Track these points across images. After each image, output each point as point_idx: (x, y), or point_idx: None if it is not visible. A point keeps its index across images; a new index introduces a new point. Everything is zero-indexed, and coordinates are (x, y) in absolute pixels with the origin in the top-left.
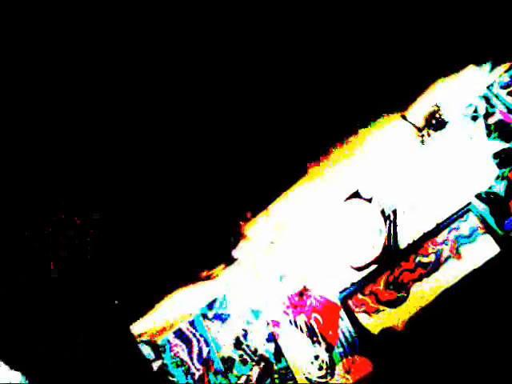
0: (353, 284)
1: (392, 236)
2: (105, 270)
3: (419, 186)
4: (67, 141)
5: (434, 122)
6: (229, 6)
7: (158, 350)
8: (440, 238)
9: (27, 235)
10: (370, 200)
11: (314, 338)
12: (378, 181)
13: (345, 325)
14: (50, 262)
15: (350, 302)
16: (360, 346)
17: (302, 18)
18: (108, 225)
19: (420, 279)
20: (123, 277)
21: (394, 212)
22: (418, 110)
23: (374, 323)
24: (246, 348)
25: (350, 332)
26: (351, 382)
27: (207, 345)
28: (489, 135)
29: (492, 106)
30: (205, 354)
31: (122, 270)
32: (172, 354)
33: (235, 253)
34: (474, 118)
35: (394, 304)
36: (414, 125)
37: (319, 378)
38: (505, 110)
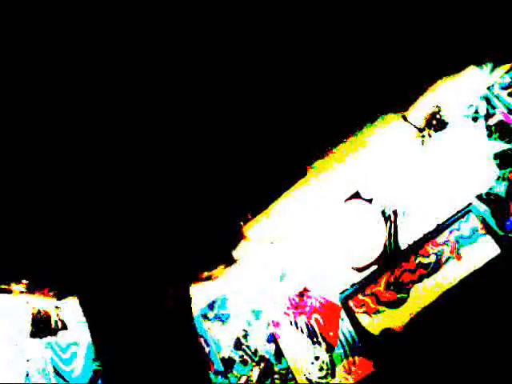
0: (353, 285)
1: (392, 237)
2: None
3: (420, 187)
4: (67, 140)
5: (434, 122)
6: (229, 6)
7: None
8: (440, 239)
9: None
10: (370, 201)
11: (315, 339)
12: (378, 181)
13: (345, 325)
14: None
15: (350, 303)
16: (360, 347)
17: (302, 19)
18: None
19: (420, 280)
20: (122, 278)
21: (395, 213)
22: (419, 111)
23: (374, 324)
24: (246, 348)
25: (350, 333)
26: (352, 382)
27: (207, 345)
28: (489, 136)
29: (493, 107)
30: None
31: (121, 271)
32: None
33: (235, 253)
34: (475, 119)
35: (394, 305)
36: (414, 125)
37: (320, 378)
38: (505, 111)
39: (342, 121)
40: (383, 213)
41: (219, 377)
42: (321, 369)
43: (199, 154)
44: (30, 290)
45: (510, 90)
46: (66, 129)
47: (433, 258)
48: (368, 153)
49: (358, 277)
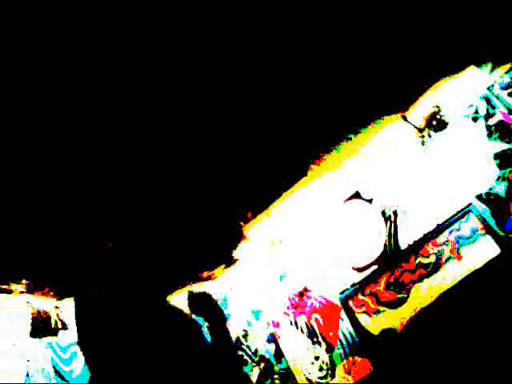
0: (353, 285)
1: (392, 237)
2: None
3: (420, 187)
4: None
5: (434, 122)
6: (229, 6)
7: None
8: (440, 239)
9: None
10: (370, 201)
11: (315, 339)
12: (378, 182)
13: (345, 325)
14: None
15: (350, 303)
16: (360, 347)
17: (301, 19)
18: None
19: (420, 280)
20: (129, 280)
21: (395, 213)
22: (419, 111)
23: (374, 324)
24: (246, 348)
25: (350, 333)
26: (351, 382)
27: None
28: (489, 136)
29: (493, 107)
30: None
31: (122, 271)
32: None
33: (236, 253)
34: (475, 119)
35: (394, 305)
36: (414, 126)
37: (320, 378)
38: (505, 111)
39: (343, 121)
40: (383, 213)
41: None
42: (321, 369)
43: (199, 154)
44: (30, 290)
45: (510, 90)
46: (68, 129)
47: (433, 258)
48: (368, 153)
49: (358, 277)
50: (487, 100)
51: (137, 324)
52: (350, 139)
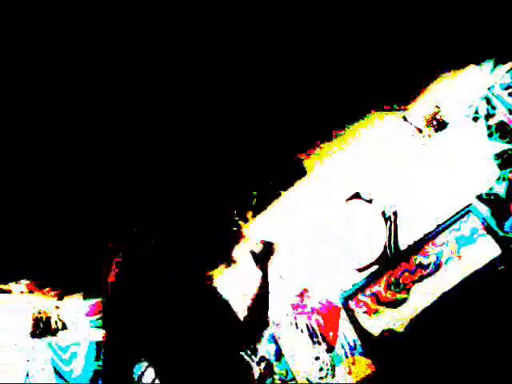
0: (353, 285)
1: (392, 237)
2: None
3: (420, 187)
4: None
5: (434, 122)
6: (223, 4)
7: None
8: (440, 239)
9: None
10: (370, 201)
11: (315, 339)
12: (378, 182)
13: (345, 326)
14: None
15: (350, 303)
16: (360, 347)
17: (300, 16)
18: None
19: (420, 280)
20: (128, 280)
21: (395, 213)
22: (419, 111)
23: (374, 324)
24: (246, 348)
25: (350, 333)
26: (352, 382)
27: None
28: (490, 136)
29: (493, 107)
30: None
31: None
32: None
33: (235, 253)
34: (475, 119)
35: (394, 305)
36: (414, 125)
37: (320, 378)
38: (506, 111)
39: (342, 121)
40: (383, 213)
41: None
42: (321, 369)
43: (198, 154)
44: (30, 289)
45: (510, 90)
46: (69, 129)
47: (433, 259)
48: (368, 153)
49: (358, 277)
50: (487, 100)
51: (137, 324)
52: (350, 139)
